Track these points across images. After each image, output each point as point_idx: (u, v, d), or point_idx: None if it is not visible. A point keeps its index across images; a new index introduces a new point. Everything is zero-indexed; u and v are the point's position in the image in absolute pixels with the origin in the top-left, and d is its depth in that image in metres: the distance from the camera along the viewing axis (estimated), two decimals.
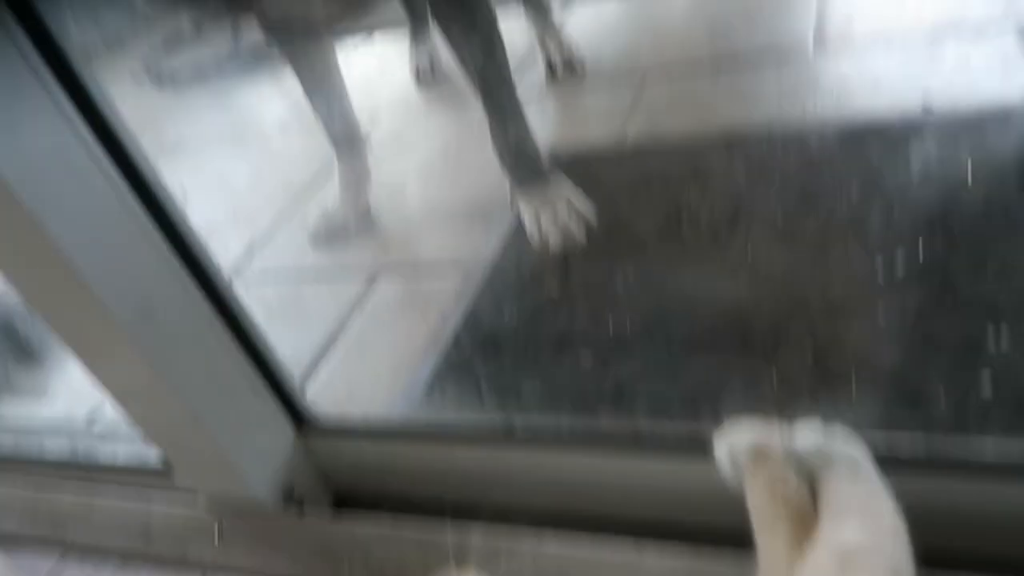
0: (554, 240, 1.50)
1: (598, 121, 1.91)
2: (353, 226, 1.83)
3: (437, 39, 2.26)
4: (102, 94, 0.83)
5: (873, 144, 1.44)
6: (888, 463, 0.66)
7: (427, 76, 2.36)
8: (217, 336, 0.99)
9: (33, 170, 0.77)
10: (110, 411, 1.57)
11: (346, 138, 1.83)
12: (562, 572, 0.80)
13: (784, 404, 0.95)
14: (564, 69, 2.12)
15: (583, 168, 1.67)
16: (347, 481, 1.08)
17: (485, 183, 1.77)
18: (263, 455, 1.03)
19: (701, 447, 0.73)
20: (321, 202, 1.89)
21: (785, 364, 1.04)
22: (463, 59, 1.55)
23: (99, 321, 0.85)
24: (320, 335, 1.56)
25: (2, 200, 0.76)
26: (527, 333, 1.32)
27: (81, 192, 0.82)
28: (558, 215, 1.52)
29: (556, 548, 0.82)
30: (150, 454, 1.13)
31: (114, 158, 0.85)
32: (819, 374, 1.01)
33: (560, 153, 1.76)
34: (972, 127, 1.38)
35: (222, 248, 1.14)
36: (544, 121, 1.96)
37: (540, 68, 2.17)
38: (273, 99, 2.77)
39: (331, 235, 1.83)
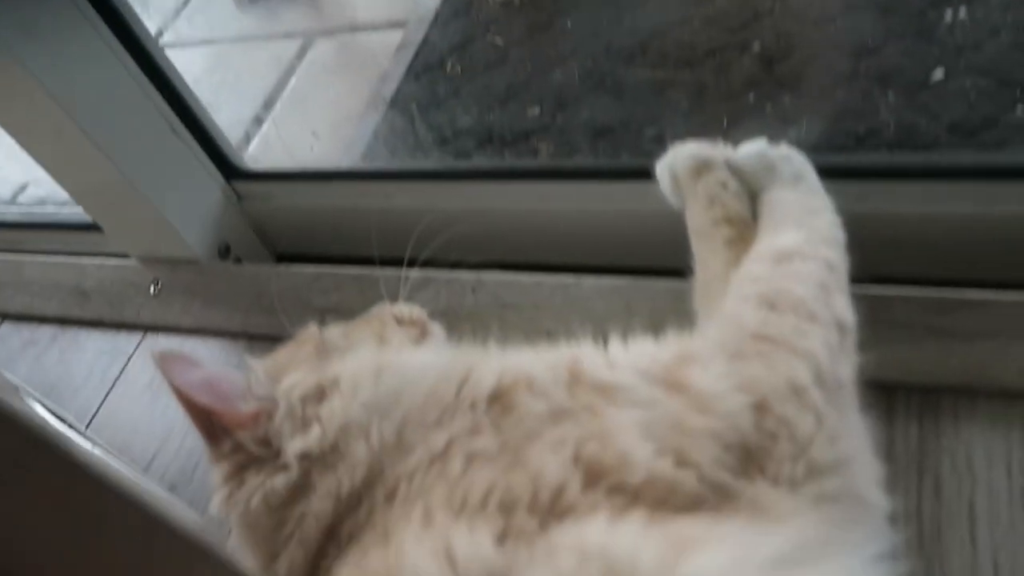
0: None
1: None
2: None
3: None
4: None
5: None
6: (831, 175, 0.63)
7: None
8: (140, 89, 0.91)
9: None
10: (37, 189, 1.50)
11: None
12: (499, 298, 0.79)
13: (731, 131, 0.91)
14: None
15: None
16: (285, 237, 1.04)
17: None
18: (195, 211, 0.98)
19: (646, 174, 0.70)
20: None
21: (735, 93, 0.99)
22: None
23: None
24: (256, 99, 1.47)
25: None
26: (471, 83, 1.24)
27: None
28: None
29: (494, 277, 0.80)
30: (83, 220, 1.07)
31: None
32: (768, 97, 0.96)
33: None
34: None
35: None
36: None
37: None
38: None
39: None
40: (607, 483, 0.42)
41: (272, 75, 1.51)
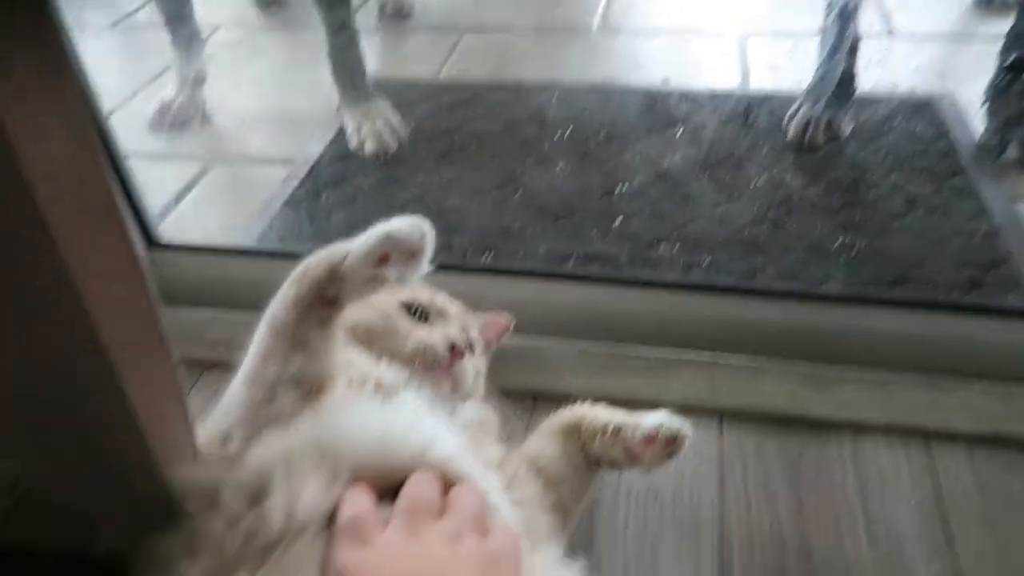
0: (370, 146, 1.81)
1: (417, 61, 2.25)
2: (189, 119, 2.04)
3: None
4: None
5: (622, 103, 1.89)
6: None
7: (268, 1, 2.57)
8: None
9: None
10: None
11: (185, 35, 2.03)
12: None
13: None
14: (393, 12, 2.43)
15: (400, 95, 2.00)
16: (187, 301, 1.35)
17: (312, 96, 2.05)
18: None
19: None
20: (160, 94, 2.07)
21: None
22: None
23: None
24: (155, 207, 1.78)
25: None
26: (335, 213, 1.65)
27: None
28: (376, 126, 1.83)
29: None
30: None
31: None
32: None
33: (383, 80, 2.07)
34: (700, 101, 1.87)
35: None
36: (372, 53, 2.26)
37: (373, 8, 2.47)
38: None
39: (169, 124, 2.03)
40: None
41: (171, 189, 1.83)
